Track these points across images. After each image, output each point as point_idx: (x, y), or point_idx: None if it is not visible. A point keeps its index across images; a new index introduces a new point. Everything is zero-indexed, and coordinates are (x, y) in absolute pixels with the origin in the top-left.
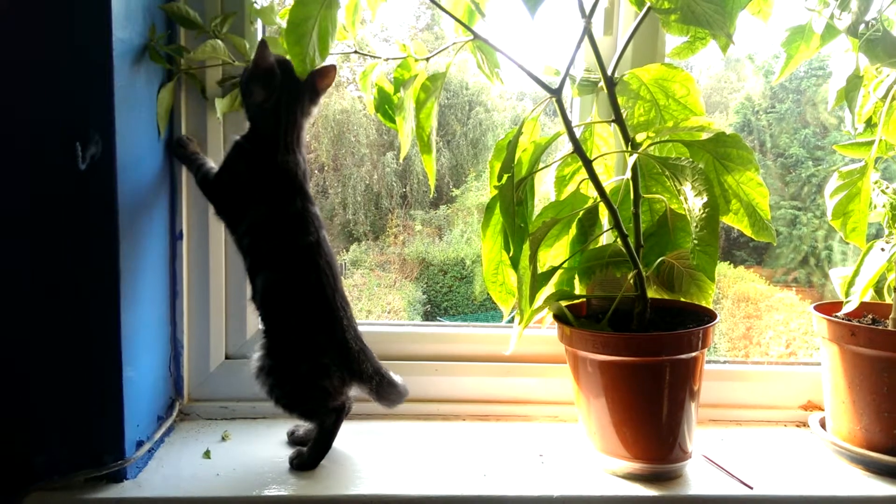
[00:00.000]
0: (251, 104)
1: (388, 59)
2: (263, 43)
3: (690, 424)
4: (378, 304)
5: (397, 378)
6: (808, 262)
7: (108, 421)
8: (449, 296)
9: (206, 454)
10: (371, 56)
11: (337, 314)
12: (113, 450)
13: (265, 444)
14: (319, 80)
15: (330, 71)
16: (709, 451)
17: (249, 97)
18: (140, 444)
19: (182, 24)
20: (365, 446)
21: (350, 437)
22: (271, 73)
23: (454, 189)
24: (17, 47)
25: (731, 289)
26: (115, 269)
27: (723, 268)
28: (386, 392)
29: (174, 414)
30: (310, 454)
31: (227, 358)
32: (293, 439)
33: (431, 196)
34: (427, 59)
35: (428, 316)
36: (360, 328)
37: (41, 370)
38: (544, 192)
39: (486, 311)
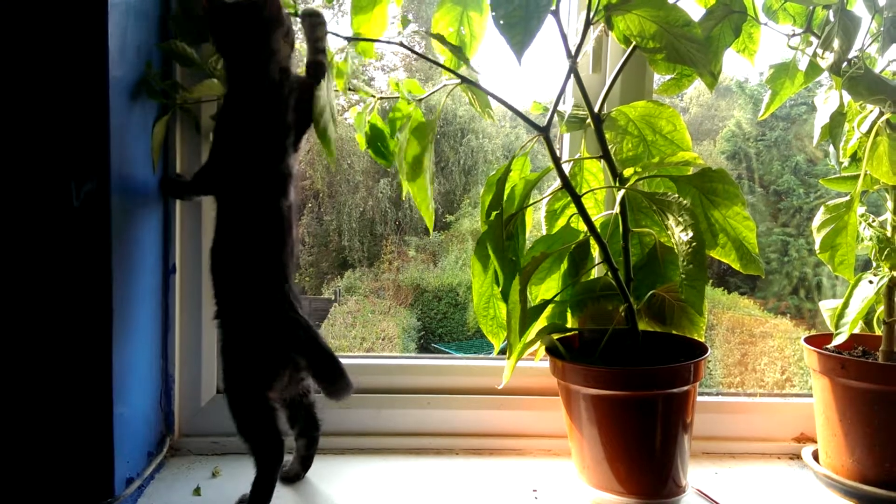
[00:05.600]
0: (219, 50)
1: (380, 98)
2: None
3: (684, 458)
4: (372, 332)
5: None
6: (798, 290)
7: (97, 458)
8: (444, 322)
9: (197, 491)
10: (365, 94)
11: (279, 284)
12: (102, 487)
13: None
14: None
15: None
16: (703, 485)
17: (215, 42)
18: (130, 481)
19: (179, 62)
20: (356, 483)
21: (341, 475)
22: (225, 11)
23: (448, 215)
24: (12, 85)
25: (726, 315)
26: (107, 304)
27: (716, 294)
28: (324, 371)
29: (164, 449)
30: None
31: (218, 392)
32: (281, 475)
33: (431, 235)
34: (420, 101)
35: (422, 342)
36: (350, 360)
37: (30, 405)
38: (535, 224)
39: (481, 337)
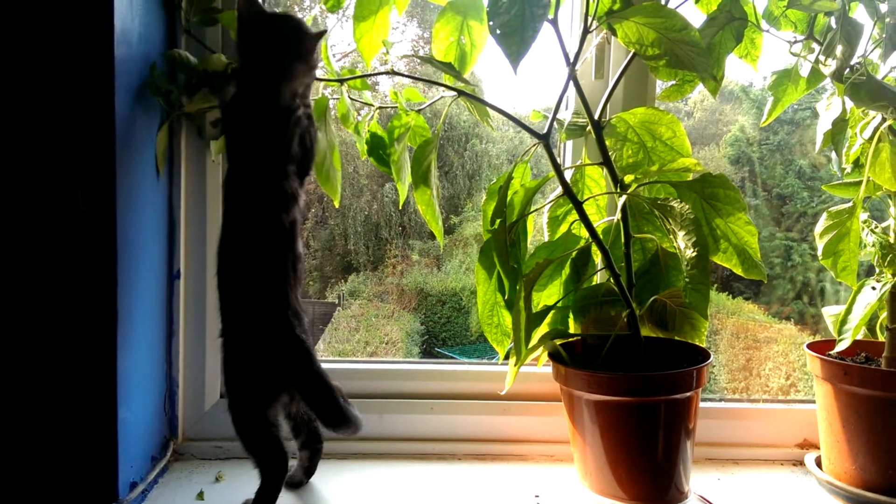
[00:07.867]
0: (240, 56)
1: (380, 108)
2: None
3: (686, 464)
4: (376, 336)
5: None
6: (802, 295)
7: (101, 461)
8: (447, 326)
9: (200, 495)
10: (364, 103)
11: (277, 300)
12: (106, 491)
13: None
14: (306, 38)
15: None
16: (705, 492)
17: (239, 52)
18: (133, 485)
19: (183, 72)
20: (358, 489)
21: (343, 480)
22: (253, 25)
23: (453, 216)
24: (20, 93)
25: (730, 320)
26: (112, 309)
27: (721, 299)
28: (320, 406)
29: (168, 454)
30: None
31: (222, 397)
32: (285, 481)
33: (442, 250)
34: (418, 111)
35: (426, 346)
36: (354, 365)
37: (34, 409)
38: (539, 228)
39: (484, 341)
